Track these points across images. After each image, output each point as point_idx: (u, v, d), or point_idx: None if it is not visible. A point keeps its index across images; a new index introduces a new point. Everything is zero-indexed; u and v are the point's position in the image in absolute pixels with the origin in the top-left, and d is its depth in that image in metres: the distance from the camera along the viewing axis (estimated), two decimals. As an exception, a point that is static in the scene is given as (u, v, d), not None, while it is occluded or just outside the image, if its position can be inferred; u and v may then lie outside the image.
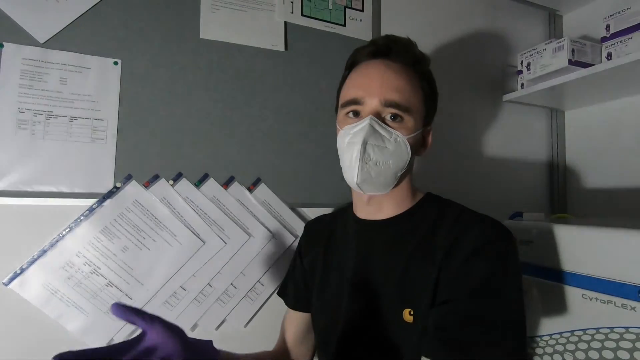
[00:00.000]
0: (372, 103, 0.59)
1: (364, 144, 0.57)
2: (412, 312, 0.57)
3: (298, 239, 0.89)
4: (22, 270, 0.72)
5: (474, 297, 0.53)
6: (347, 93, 0.63)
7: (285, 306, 0.83)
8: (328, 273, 0.71)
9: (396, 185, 0.63)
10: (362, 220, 0.67)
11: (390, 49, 0.62)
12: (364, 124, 0.58)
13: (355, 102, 0.61)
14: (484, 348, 0.50)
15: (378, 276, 0.62)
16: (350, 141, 0.59)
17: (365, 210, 0.67)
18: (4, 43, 0.72)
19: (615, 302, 0.63)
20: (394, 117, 0.59)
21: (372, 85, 0.60)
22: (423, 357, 0.54)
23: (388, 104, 0.59)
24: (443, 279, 0.55)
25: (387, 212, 0.65)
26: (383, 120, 0.59)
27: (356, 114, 0.61)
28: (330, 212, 0.83)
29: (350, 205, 0.72)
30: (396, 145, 0.59)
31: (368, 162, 0.58)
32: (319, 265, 0.73)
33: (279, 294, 0.85)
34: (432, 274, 0.56)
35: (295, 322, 0.80)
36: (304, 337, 0.80)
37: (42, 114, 0.74)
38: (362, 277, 0.64)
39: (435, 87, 0.67)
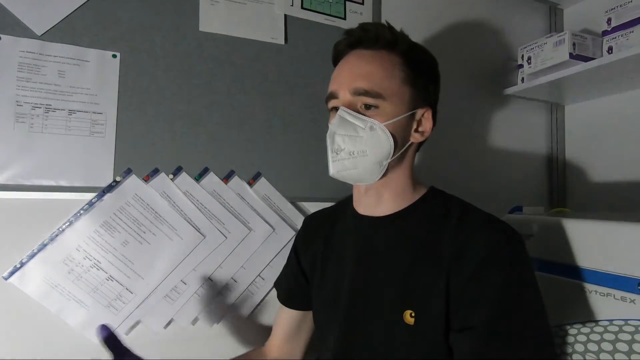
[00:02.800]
0: (343, 95, 0.60)
1: (332, 135, 0.59)
2: (413, 314, 0.56)
3: (297, 233, 0.89)
4: (22, 264, 0.72)
5: (495, 315, 0.52)
6: (328, 89, 0.63)
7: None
8: (327, 270, 0.70)
9: (386, 174, 0.60)
10: (362, 217, 0.66)
11: (361, 38, 0.62)
12: (336, 116, 0.59)
13: (332, 96, 0.62)
14: None
15: (379, 275, 0.61)
16: (327, 135, 0.60)
17: (364, 203, 0.65)
18: (1, 35, 0.71)
19: (614, 295, 0.63)
20: (368, 106, 0.59)
21: (343, 76, 0.61)
22: None
23: (357, 92, 0.58)
24: (454, 289, 0.54)
25: (387, 205, 0.63)
26: (357, 110, 0.59)
27: (336, 109, 0.61)
28: (330, 206, 0.82)
29: (350, 198, 0.70)
30: (372, 133, 0.57)
31: (339, 153, 0.59)
32: (318, 262, 0.72)
33: (275, 284, 0.84)
34: (440, 280, 0.55)
35: (285, 319, 0.79)
36: (292, 335, 0.79)
37: (40, 107, 0.74)
38: (363, 276, 0.63)
39: (425, 66, 0.63)
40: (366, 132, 0.58)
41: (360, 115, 0.58)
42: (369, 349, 0.61)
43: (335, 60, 0.66)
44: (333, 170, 0.60)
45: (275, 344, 0.80)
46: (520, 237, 0.57)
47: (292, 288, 0.78)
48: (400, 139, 0.60)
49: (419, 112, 0.62)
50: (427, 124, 0.63)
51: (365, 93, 0.58)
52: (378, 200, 0.63)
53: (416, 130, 0.62)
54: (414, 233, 0.60)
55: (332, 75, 0.64)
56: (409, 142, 0.62)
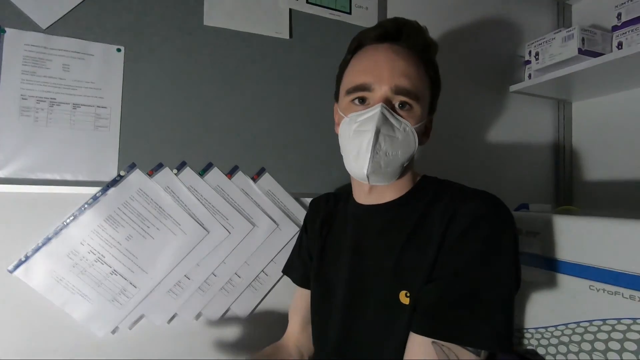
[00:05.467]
0: (382, 90, 0.57)
1: (377, 133, 0.55)
2: (408, 294, 0.56)
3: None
4: (27, 258, 0.72)
5: (463, 272, 0.52)
6: (354, 78, 0.60)
7: (289, 294, 0.82)
8: (327, 255, 0.71)
9: (400, 175, 0.62)
10: (361, 205, 0.67)
11: (400, 33, 0.60)
12: (375, 111, 0.56)
13: (363, 88, 0.58)
14: (471, 324, 0.50)
15: (374, 259, 0.62)
16: (358, 129, 0.57)
17: (365, 199, 0.67)
18: (6, 28, 0.71)
19: (622, 294, 0.62)
20: (403, 105, 0.57)
21: (382, 71, 0.57)
22: (411, 333, 0.54)
23: (399, 91, 0.56)
24: (440, 256, 0.55)
25: (387, 198, 0.64)
26: (392, 108, 0.57)
27: (363, 100, 0.59)
28: (334, 192, 0.82)
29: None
30: (405, 135, 0.57)
31: (379, 152, 0.56)
32: (318, 245, 0.73)
33: (284, 271, 0.84)
34: (430, 255, 0.55)
35: (303, 302, 0.79)
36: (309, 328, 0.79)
37: (45, 101, 0.73)
38: (360, 260, 0.64)
39: (439, 75, 0.65)
40: (401, 133, 0.57)
41: (398, 116, 0.57)
42: (368, 331, 0.61)
43: (356, 49, 0.64)
44: (369, 169, 0.56)
45: (295, 329, 0.79)
46: (508, 211, 0.57)
47: (307, 267, 0.78)
48: (419, 142, 0.60)
49: (430, 117, 0.65)
50: (430, 129, 0.66)
51: (407, 93, 0.57)
52: (380, 197, 0.65)
53: (424, 134, 0.65)
54: (408, 216, 0.61)
55: (358, 65, 0.62)
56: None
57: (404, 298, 0.56)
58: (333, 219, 0.74)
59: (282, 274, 0.89)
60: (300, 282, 0.80)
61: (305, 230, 0.81)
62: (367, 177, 0.58)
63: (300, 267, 0.80)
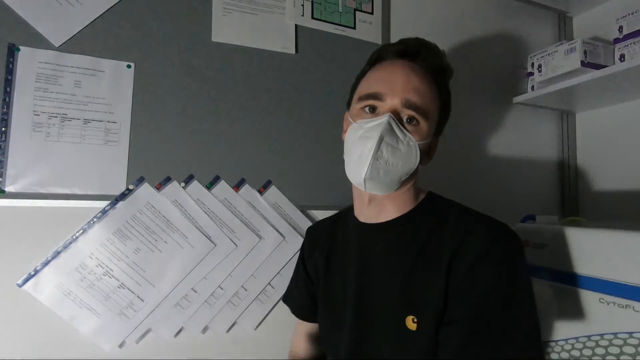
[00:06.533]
0: (392, 101, 0.58)
1: (380, 140, 0.56)
2: (415, 320, 0.55)
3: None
4: (36, 272, 0.73)
5: (484, 310, 0.52)
6: (368, 87, 0.62)
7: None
8: (331, 279, 0.71)
9: (398, 188, 0.62)
10: (363, 224, 0.66)
11: (419, 52, 0.62)
12: (382, 119, 0.57)
13: (375, 96, 0.60)
14: None
15: (380, 282, 0.61)
16: (363, 135, 0.58)
17: (366, 212, 0.66)
18: (21, 47, 0.73)
19: (634, 307, 0.62)
20: (411, 119, 0.59)
21: (396, 83, 0.59)
22: None
23: (409, 105, 0.58)
24: (451, 287, 0.54)
25: (388, 214, 0.64)
26: (400, 121, 0.58)
27: (373, 109, 0.60)
28: (330, 216, 0.82)
29: (351, 208, 0.71)
30: (408, 149, 0.58)
31: (379, 160, 0.57)
32: (321, 271, 0.73)
33: (284, 300, 0.85)
34: (440, 281, 0.54)
35: (305, 332, 0.80)
36: (315, 345, 0.80)
37: (56, 117, 0.75)
38: (365, 283, 0.63)
39: (450, 101, 0.67)
40: (404, 146, 0.58)
41: (404, 130, 0.58)
42: (377, 354, 0.60)
43: (375, 61, 0.66)
44: (367, 173, 0.57)
45: (299, 355, 0.80)
46: (518, 238, 0.57)
47: (303, 300, 0.79)
48: (420, 159, 0.61)
49: (435, 139, 0.66)
50: (434, 151, 0.67)
51: (416, 108, 0.58)
52: (380, 210, 0.64)
53: (427, 154, 0.65)
54: (413, 238, 0.60)
55: (374, 75, 0.64)
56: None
57: (410, 324, 0.56)
58: (334, 242, 0.73)
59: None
60: (298, 314, 0.81)
61: (302, 260, 0.80)
62: (365, 181, 0.58)
63: (297, 298, 0.81)
